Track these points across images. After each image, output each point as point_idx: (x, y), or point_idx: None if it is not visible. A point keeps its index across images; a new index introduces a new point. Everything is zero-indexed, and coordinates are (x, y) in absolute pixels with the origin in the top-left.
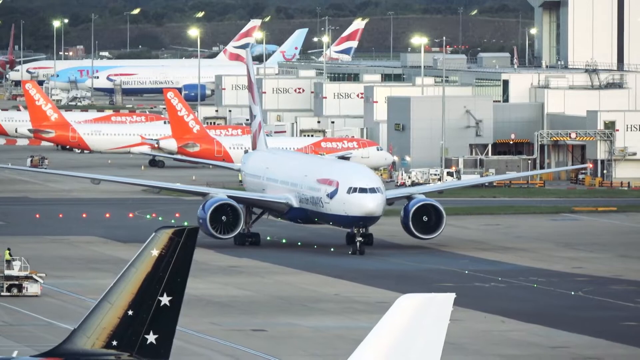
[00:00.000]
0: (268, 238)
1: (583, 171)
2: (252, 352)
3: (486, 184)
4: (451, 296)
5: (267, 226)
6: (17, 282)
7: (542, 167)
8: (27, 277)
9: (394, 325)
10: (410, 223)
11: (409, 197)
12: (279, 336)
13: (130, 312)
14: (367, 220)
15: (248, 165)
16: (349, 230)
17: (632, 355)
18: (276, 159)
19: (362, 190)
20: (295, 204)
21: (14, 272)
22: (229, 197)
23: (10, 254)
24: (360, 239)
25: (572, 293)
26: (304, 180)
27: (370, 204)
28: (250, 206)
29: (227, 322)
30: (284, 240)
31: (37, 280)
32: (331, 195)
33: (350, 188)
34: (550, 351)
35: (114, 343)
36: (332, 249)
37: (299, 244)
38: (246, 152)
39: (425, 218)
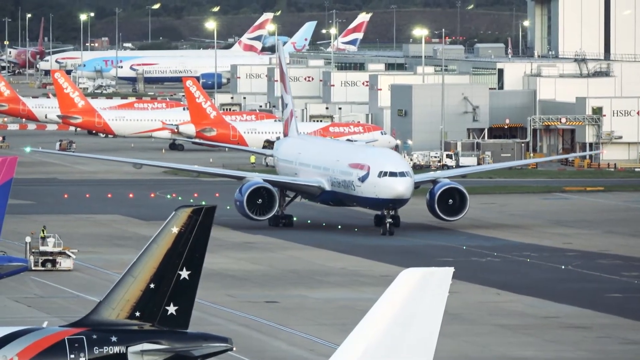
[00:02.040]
0: (309, 221)
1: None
2: (265, 322)
3: (511, 168)
4: (450, 270)
5: (301, 208)
6: (51, 258)
7: (534, 151)
8: (60, 253)
9: (396, 297)
10: (436, 205)
11: (434, 181)
12: (290, 307)
13: (152, 285)
14: (397, 202)
15: (280, 150)
16: (379, 212)
17: (617, 325)
18: (308, 144)
19: (392, 174)
20: (327, 187)
21: (48, 248)
22: (265, 180)
23: (44, 231)
24: (390, 220)
25: (562, 267)
26: (336, 165)
27: (400, 187)
28: (284, 189)
29: (241, 295)
30: (309, 221)
31: (69, 256)
32: (363, 179)
33: (381, 172)
34: (542, 321)
35: (137, 314)
36: (355, 229)
37: (323, 224)
38: (278, 138)
39: (450, 201)
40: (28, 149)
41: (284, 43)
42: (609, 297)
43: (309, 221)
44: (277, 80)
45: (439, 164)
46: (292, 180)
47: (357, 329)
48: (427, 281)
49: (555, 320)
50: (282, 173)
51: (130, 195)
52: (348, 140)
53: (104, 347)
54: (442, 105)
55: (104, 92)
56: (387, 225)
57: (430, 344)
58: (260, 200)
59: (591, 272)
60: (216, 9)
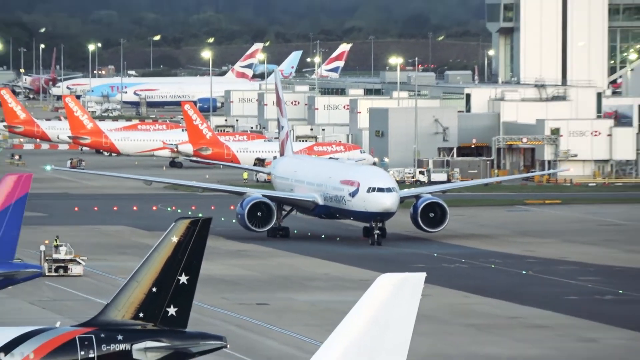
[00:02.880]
0: (309, 234)
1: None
2: (256, 322)
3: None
4: (422, 275)
5: (296, 221)
6: (63, 264)
7: (498, 167)
8: (71, 260)
9: (374, 299)
10: (419, 218)
11: (417, 196)
12: (279, 309)
13: (154, 289)
14: (384, 215)
15: (278, 168)
16: (367, 224)
17: (574, 324)
18: (302, 163)
19: (380, 190)
20: (320, 201)
21: (61, 255)
22: (264, 195)
23: (57, 241)
24: (377, 231)
25: (524, 272)
26: (328, 182)
27: (387, 201)
28: (281, 204)
29: (235, 297)
30: (309, 234)
31: (80, 263)
32: (353, 194)
33: (369, 188)
34: (507, 321)
35: (141, 315)
36: (337, 238)
37: (309, 234)
38: (275, 158)
39: (431, 214)
40: (48, 168)
41: (272, 71)
42: (567, 299)
43: (309, 233)
44: (266, 104)
45: (412, 179)
46: (289, 195)
47: (338, 329)
48: (402, 285)
49: (519, 320)
50: (279, 189)
51: (134, 208)
52: (331, 158)
53: (111, 345)
54: (415, 127)
55: (110, 115)
56: (375, 236)
57: (404, 343)
58: (259, 213)
59: (550, 277)
60: (211, 40)
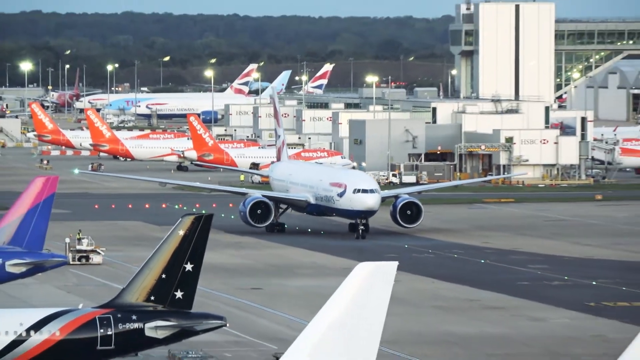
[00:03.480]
0: (309, 230)
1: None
2: (252, 304)
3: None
4: (395, 264)
5: (290, 217)
6: (85, 255)
7: (460, 171)
8: (92, 251)
9: (353, 285)
10: (398, 216)
11: (396, 196)
12: (272, 293)
13: (163, 276)
14: (368, 213)
15: (275, 172)
16: (353, 221)
17: (525, 306)
18: (297, 167)
19: (364, 191)
20: (312, 201)
21: (83, 247)
22: (263, 195)
23: (80, 234)
24: (362, 227)
25: (482, 261)
26: (319, 184)
27: (370, 201)
28: (278, 203)
29: (233, 283)
30: (309, 230)
31: (99, 253)
32: (341, 195)
33: (355, 189)
34: (467, 303)
35: (152, 298)
36: (322, 232)
37: (297, 228)
38: (272, 163)
39: (408, 212)
40: (76, 171)
41: (265, 88)
42: (519, 284)
43: (308, 230)
44: (260, 116)
45: (386, 181)
46: (285, 195)
47: (322, 311)
48: (377, 272)
49: (478, 302)
50: (276, 190)
51: (146, 206)
52: (317, 162)
53: (127, 324)
54: (388, 136)
55: (126, 125)
56: (360, 231)
57: (379, 322)
58: (259, 211)
59: (504, 265)
60: (213, 60)
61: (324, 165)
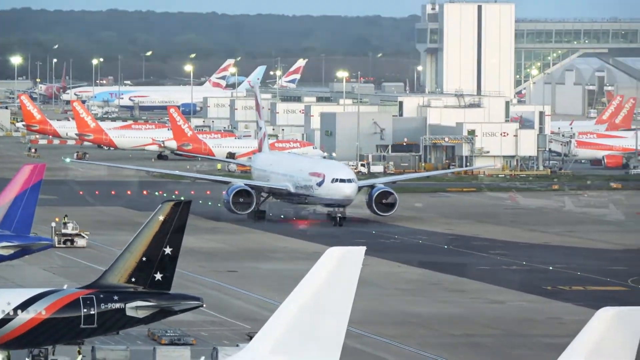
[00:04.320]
0: (282, 216)
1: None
2: (228, 286)
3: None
4: (362, 249)
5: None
6: (70, 238)
7: (425, 162)
8: (77, 235)
9: (323, 268)
10: (373, 204)
11: (372, 186)
12: (246, 275)
13: (144, 259)
14: (345, 202)
15: (257, 162)
16: (331, 209)
17: (485, 289)
18: (277, 158)
19: (342, 181)
20: (292, 190)
21: (68, 230)
22: (246, 184)
23: (65, 218)
24: (339, 214)
25: (445, 246)
26: (299, 173)
27: (347, 190)
28: (260, 191)
29: (210, 265)
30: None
31: (84, 237)
32: (319, 184)
33: (333, 179)
34: (430, 286)
35: (133, 279)
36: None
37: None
38: (254, 153)
39: (383, 201)
40: (68, 160)
41: (241, 82)
42: (479, 268)
43: (282, 216)
44: (236, 109)
45: (355, 170)
46: (266, 184)
47: (293, 293)
48: (346, 257)
49: (440, 285)
50: (258, 179)
51: (128, 192)
52: (290, 153)
53: (109, 304)
54: (357, 128)
55: (110, 116)
56: (338, 218)
57: (347, 304)
58: (242, 199)
59: (466, 250)
60: (193, 55)
61: (303, 156)
